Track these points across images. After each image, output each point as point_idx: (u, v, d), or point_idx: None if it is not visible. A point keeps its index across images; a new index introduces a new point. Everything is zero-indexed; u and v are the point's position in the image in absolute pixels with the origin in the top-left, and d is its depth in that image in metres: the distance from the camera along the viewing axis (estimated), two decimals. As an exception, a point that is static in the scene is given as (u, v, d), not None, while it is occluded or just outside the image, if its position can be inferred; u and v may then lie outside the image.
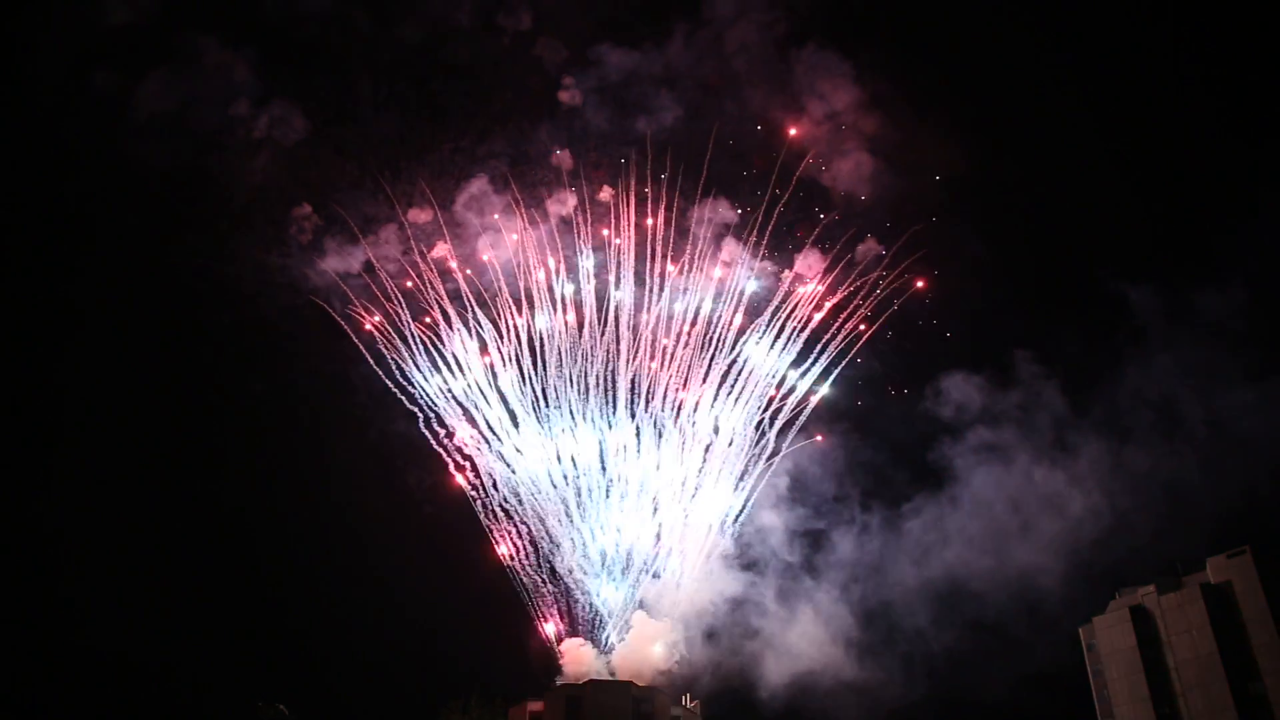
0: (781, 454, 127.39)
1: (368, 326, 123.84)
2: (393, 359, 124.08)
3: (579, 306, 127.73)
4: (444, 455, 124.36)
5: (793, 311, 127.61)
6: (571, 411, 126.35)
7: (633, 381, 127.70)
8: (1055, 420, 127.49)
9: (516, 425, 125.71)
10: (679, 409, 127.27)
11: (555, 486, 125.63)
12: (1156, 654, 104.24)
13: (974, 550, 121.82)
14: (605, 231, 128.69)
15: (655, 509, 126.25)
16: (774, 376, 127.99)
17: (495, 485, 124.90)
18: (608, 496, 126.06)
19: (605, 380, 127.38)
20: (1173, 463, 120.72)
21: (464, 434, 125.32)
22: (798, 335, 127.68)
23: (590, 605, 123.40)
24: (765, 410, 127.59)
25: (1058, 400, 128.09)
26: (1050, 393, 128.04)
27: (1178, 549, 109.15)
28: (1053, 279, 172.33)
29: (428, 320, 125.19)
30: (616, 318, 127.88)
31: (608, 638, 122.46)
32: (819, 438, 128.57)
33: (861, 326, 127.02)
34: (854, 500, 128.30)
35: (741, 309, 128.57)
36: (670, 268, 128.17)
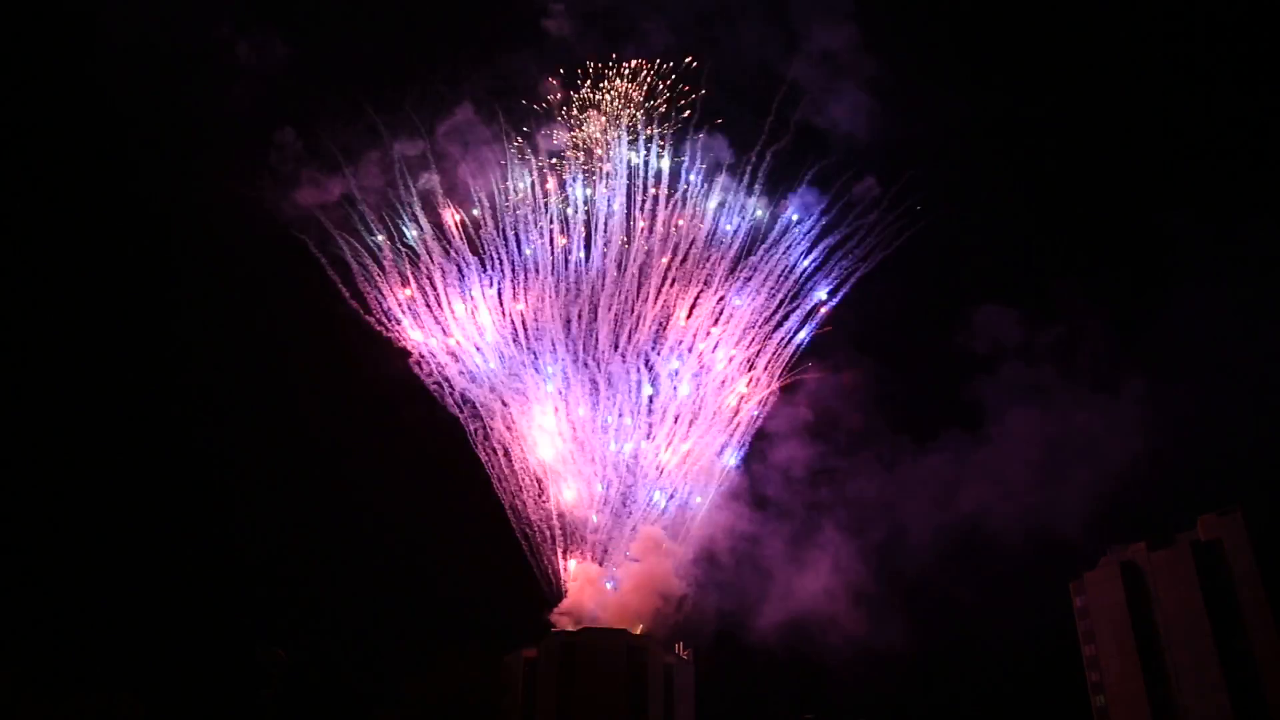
0: (773, 389, 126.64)
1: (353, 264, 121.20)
2: (373, 295, 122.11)
3: (566, 235, 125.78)
4: (435, 391, 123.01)
5: (790, 247, 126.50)
6: (555, 344, 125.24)
7: (616, 316, 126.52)
8: (1085, 354, 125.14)
9: (504, 360, 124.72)
10: (660, 342, 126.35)
11: (548, 417, 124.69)
12: (1145, 610, 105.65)
13: (996, 494, 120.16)
14: (595, 163, 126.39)
15: (652, 436, 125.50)
16: (766, 310, 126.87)
17: (491, 416, 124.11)
18: (604, 429, 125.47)
19: (588, 315, 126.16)
20: (1214, 404, 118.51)
21: (452, 370, 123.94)
22: (788, 274, 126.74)
23: (594, 532, 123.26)
24: (747, 344, 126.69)
25: (1091, 334, 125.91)
26: (1084, 326, 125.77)
27: (1224, 493, 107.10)
28: (1094, 209, 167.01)
29: (410, 252, 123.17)
30: (604, 252, 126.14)
31: (614, 566, 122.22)
32: (813, 374, 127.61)
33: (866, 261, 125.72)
34: (868, 439, 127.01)
35: (736, 243, 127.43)
36: (662, 205, 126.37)
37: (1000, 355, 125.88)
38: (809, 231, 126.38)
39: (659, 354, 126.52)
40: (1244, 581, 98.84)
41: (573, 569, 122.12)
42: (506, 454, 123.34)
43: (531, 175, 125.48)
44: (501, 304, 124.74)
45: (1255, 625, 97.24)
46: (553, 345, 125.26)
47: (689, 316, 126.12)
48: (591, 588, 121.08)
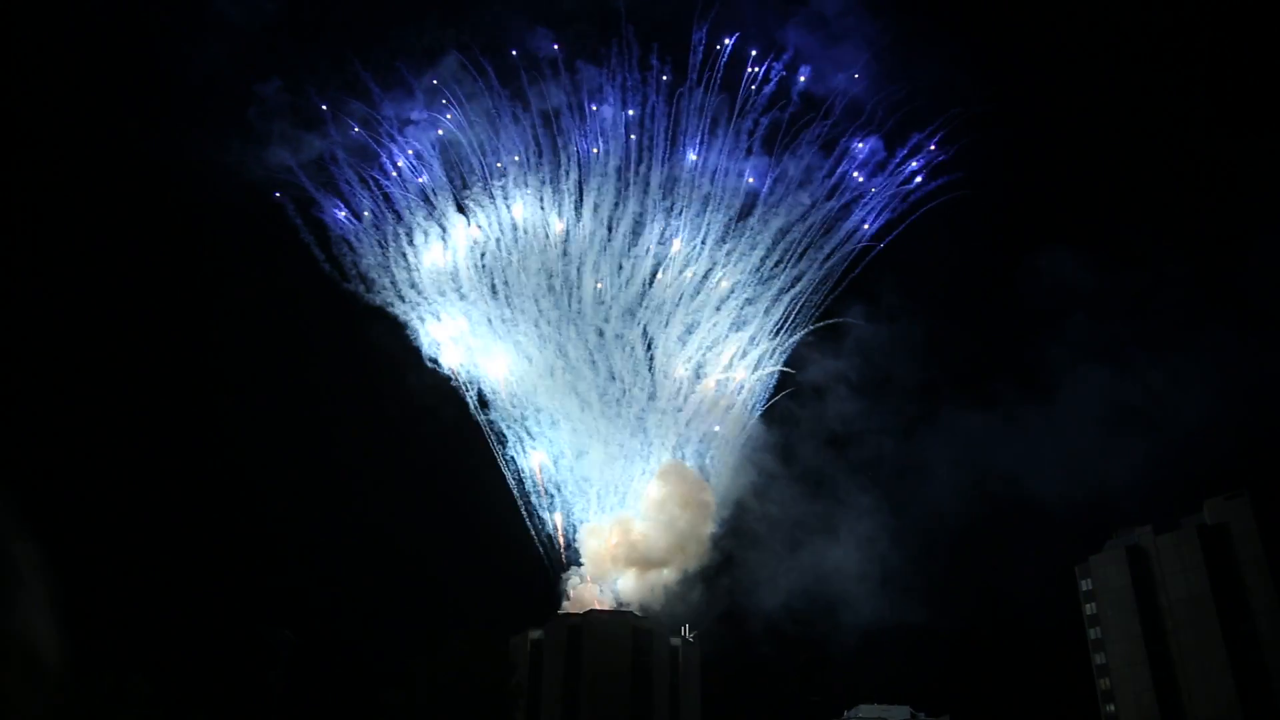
0: (773, 351, 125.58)
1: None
2: (350, 261, 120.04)
3: (558, 193, 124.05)
4: (431, 363, 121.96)
5: (791, 209, 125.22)
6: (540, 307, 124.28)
7: (608, 275, 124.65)
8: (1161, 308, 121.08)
9: (491, 323, 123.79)
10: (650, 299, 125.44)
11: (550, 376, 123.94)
12: (1150, 593, 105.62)
13: (1024, 470, 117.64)
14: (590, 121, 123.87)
15: (652, 397, 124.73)
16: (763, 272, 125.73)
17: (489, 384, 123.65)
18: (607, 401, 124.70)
19: (577, 275, 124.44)
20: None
21: (444, 336, 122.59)
22: (784, 235, 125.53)
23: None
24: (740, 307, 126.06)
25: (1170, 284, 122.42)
26: (1162, 275, 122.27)
27: (1231, 477, 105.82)
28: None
29: (394, 214, 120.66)
30: (595, 210, 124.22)
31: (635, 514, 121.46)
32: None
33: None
34: (899, 397, 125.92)
35: (737, 201, 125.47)
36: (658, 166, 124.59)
37: (1061, 307, 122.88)
38: (812, 193, 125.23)
39: (648, 310, 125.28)
40: (1250, 565, 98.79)
41: (587, 528, 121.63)
42: (524, 435, 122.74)
43: (527, 135, 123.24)
44: (484, 261, 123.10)
45: (1261, 609, 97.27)
46: (536, 303, 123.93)
47: (679, 274, 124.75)
48: (609, 542, 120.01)
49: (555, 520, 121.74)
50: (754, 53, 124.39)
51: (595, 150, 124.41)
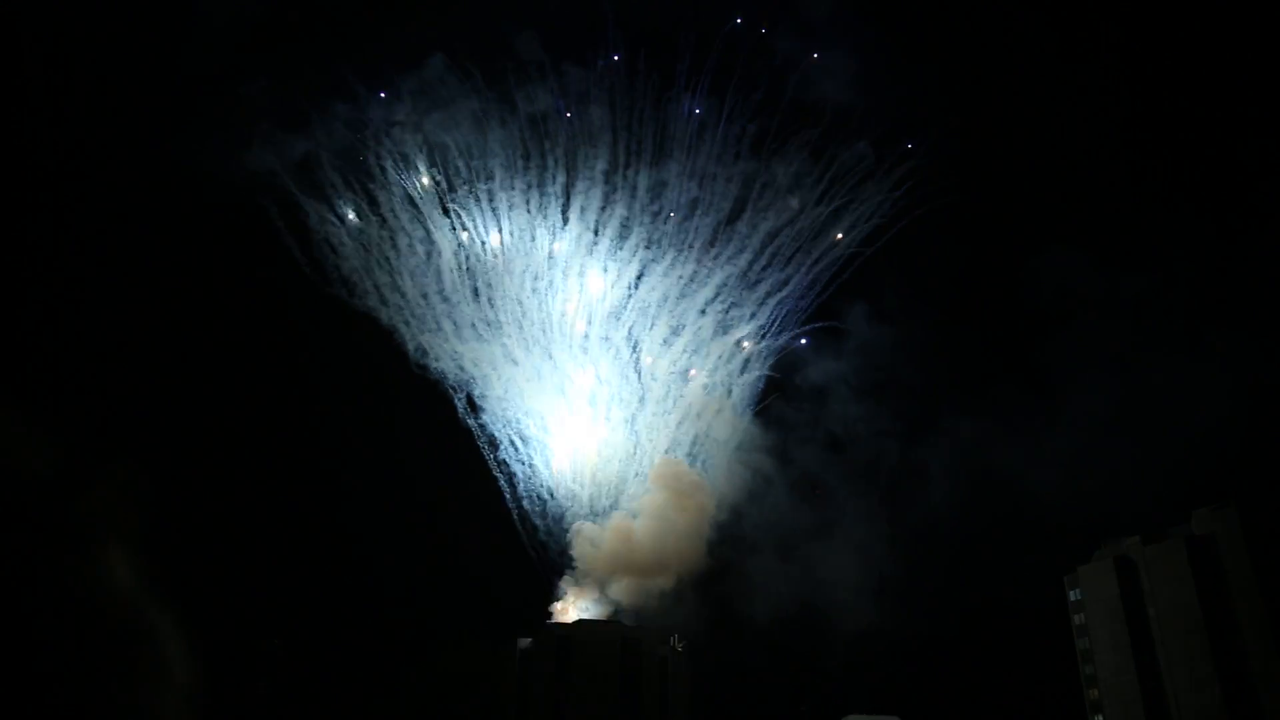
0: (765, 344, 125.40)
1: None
2: (333, 265, 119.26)
3: (543, 199, 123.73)
4: (418, 369, 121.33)
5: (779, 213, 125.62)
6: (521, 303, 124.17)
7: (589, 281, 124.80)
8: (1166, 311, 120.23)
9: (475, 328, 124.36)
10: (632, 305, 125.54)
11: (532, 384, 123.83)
12: (1138, 603, 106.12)
13: (1016, 479, 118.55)
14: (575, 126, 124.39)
15: (641, 400, 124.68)
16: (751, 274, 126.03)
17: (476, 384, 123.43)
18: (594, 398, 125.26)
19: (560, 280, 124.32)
20: None
21: (432, 342, 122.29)
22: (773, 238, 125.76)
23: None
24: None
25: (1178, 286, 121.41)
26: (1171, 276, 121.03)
27: (1219, 488, 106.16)
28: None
29: (378, 215, 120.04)
30: (581, 213, 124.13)
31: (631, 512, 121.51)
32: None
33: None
34: (902, 400, 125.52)
35: (726, 205, 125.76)
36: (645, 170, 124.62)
37: (1058, 313, 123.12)
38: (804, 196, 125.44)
39: (633, 312, 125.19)
40: (1237, 577, 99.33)
41: (580, 537, 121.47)
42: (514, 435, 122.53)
43: (513, 138, 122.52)
44: (468, 264, 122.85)
45: (1247, 620, 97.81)
46: (519, 304, 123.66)
47: (665, 276, 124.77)
48: (603, 547, 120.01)
49: (574, 529, 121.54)
50: (743, 57, 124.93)
51: (582, 153, 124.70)
